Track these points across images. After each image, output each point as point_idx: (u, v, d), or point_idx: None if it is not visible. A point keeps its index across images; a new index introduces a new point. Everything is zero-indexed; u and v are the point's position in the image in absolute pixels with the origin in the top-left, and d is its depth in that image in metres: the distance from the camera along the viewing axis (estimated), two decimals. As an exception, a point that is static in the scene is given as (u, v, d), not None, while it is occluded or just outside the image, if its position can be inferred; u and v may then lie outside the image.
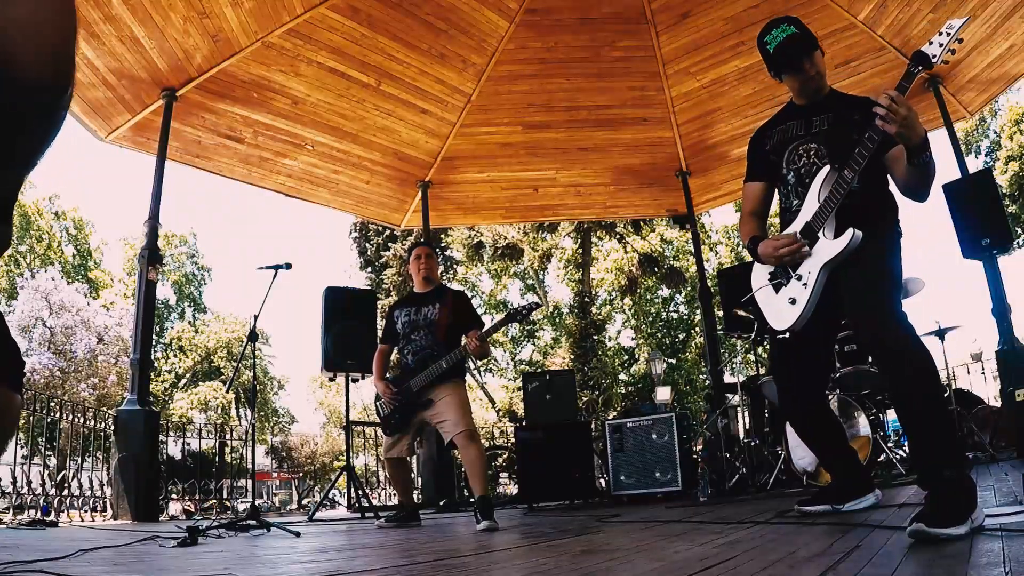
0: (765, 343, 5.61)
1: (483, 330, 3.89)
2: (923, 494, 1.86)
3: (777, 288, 2.40)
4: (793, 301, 2.31)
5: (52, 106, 0.63)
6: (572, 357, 20.07)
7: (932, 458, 1.94)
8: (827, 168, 2.31)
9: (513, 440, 6.88)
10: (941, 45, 1.99)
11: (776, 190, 2.57)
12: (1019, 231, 19.16)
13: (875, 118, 2.04)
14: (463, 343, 3.89)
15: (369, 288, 18.51)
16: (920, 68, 2.00)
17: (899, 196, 2.37)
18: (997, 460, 4.95)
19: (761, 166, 2.59)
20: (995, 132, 22.42)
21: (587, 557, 1.91)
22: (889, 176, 2.31)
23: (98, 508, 5.78)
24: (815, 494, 2.67)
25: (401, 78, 6.96)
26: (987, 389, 8.04)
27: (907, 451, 5.01)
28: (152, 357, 7.26)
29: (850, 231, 2.18)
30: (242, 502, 9.99)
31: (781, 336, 2.45)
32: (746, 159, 2.68)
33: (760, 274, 2.50)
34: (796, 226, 2.36)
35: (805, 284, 2.28)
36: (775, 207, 2.66)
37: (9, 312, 18.45)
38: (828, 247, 2.24)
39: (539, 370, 18.61)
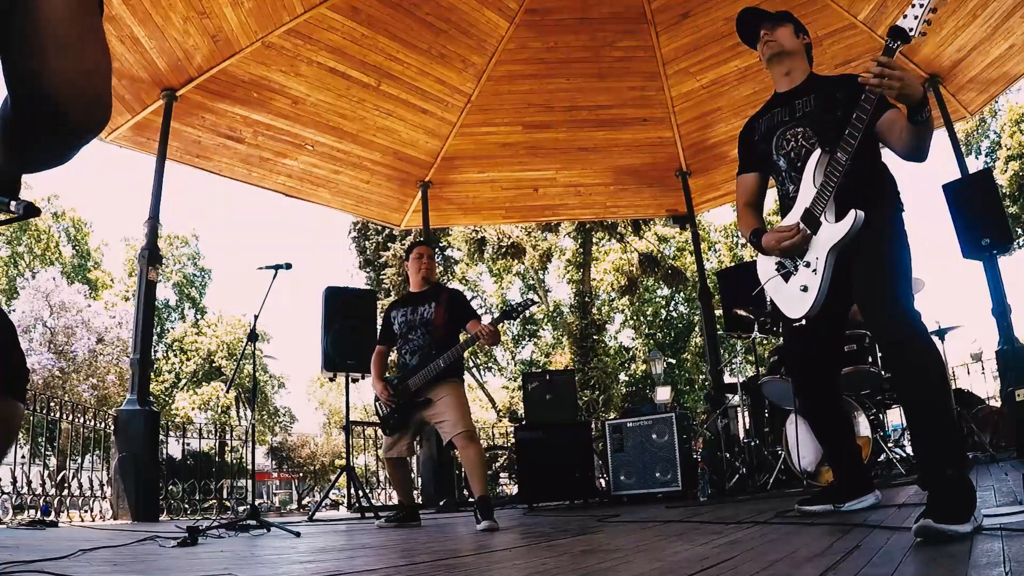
0: (765, 343, 5.61)
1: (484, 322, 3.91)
2: (923, 494, 1.86)
3: (786, 277, 2.40)
4: (805, 288, 2.31)
5: (89, 139, 0.71)
6: (572, 357, 20.08)
7: (935, 455, 1.94)
8: (818, 151, 2.31)
9: (513, 440, 6.87)
10: (916, 17, 1.99)
11: (770, 179, 2.59)
12: (1019, 231, 19.15)
13: (860, 96, 2.05)
14: (470, 332, 3.90)
15: (369, 288, 18.51)
16: (899, 43, 2.01)
17: (894, 170, 2.37)
18: (997, 460, 4.94)
19: (752, 157, 2.62)
20: (995, 132, 22.42)
21: (587, 557, 1.91)
22: (883, 146, 2.31)
23: (98, 508, 5.78)
24: (815, 494, 2.67)
25: (401, 78, 6.96)
26: (987, 389, 8.04)
27: (907, 451, 5.02)
28: (152, 358, 7.26)
29: (853, 212, 2.17)
30: (240, 503, 9.98)
31: (796, 324, 2.44)
32: (737, 153, 2.71)
33: (767, 265, 2.49)
34: (795, 213, 2.35)
35: (815, 270, 2.28)
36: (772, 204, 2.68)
37: (10, 312, 18.42)
38: (832, 231, 2.23)
39: (539, 370, 18.62)
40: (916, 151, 2.15)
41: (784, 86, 2.54)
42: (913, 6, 1.98)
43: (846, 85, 2.34)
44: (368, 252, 21.62)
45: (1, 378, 0.86)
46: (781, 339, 5.00)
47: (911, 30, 1.99)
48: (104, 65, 0.67)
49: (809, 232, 2.29)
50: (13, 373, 0.90)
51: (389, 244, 20.49)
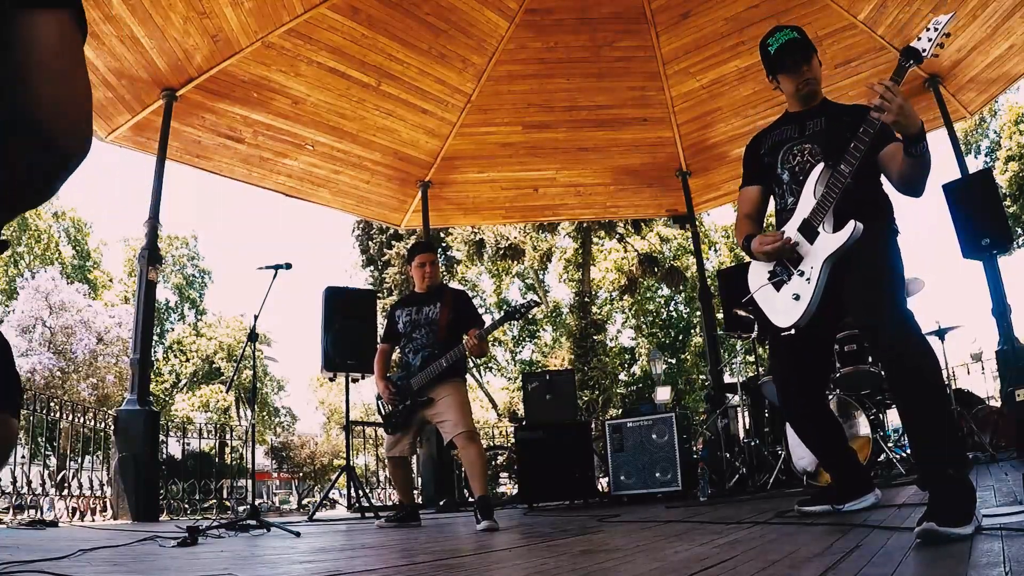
0: (765, 343, 5.61)
1: (482, 329, 3.90)
2: (922, 494, 1.86)
3: (778, 286, 2.41)
4: (797, 297, 2.32)
5: (74, 167, 0.74)
6: (572, 357, 20.08)
7: (934, 457, 1.95)
8: (821, 165, 2.33)
9: (513, 440, 6.87)
10: (930, 40, 2.04)
11: (772, 192, 2.60)
12: (1019, 231, 19.15)
13: (868, 116, 2.07)
14: (463, 341, 3.91)
15: (369, 288, 18.52)
16: (911, 62, 2.04)
17: (894, 194, 2.39)
18: (997, 460, 4.94)
19: (757, 170, 2.64)
20: (995, 132, 22.40)
21: (587, 557, 1.91)
22: (884, 176, 2.34)
23: (98, 508, 5.78)
24: (815, 494, 2.67)
25: (401, 78, 6.96)
26: (987, 389, 8.03)
27: (907, 451, 5.02)
28: (152, 358, 7.26)
29: (851, 223, 2.18)
30: (240, 502, 9.98)
31: (785, 334, 2.45)
32: (742, 166, 2.72)
33: (759, 273, 2.50)
34: (793, 223, 2.37)
35: (808, 280, 2.29)
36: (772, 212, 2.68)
37: (9, 312, 18.44)
38: (830, 241, 2.24)
39: (539, 370, 18.61)
40: (910, 184, 2.18)
41: (797, 107, 2.56)
42: (928, 29, 2.04)
43: (855, 111, 2.37)
44: (371, 251, 21.63)
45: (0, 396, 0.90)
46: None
47: (924, 51, 2.03)
48: (88, 95, 0.73)
49: (796, 242, 2.31)
50: (10, 390, 0.94)
51: (393, 243, 20.48)
